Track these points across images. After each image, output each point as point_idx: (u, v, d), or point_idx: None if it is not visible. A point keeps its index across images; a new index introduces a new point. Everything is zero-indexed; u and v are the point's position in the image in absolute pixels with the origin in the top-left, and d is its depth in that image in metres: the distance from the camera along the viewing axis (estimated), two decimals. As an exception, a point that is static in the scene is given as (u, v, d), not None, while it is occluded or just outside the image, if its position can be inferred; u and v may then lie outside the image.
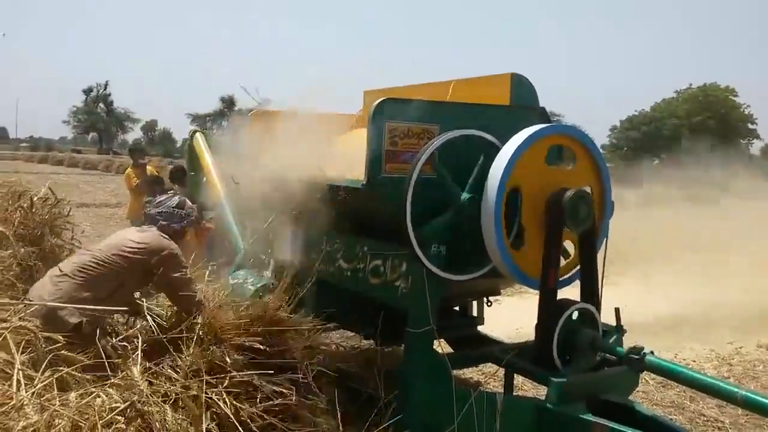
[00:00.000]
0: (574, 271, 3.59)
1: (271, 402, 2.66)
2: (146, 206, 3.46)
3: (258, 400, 2.64)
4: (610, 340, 3.49)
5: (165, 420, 2.17)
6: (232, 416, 2.43)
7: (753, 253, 8.74)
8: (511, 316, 6.02)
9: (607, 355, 3.49)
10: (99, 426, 2.06)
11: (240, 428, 2.42)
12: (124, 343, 2.58)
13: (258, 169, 4.18)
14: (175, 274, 3.10)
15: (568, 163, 3.56)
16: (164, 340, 2.79)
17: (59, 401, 2.15)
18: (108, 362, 2.62)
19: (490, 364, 4.44)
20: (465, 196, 3.33)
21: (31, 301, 3.02)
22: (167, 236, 3.24)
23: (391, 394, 3.25)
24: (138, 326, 3.07)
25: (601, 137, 52.37)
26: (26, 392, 2.12)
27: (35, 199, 4.17)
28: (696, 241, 8.84)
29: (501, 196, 3.20)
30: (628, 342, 3.54)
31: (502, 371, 4.02)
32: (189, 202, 3.49)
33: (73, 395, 2.18)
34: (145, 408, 2.17)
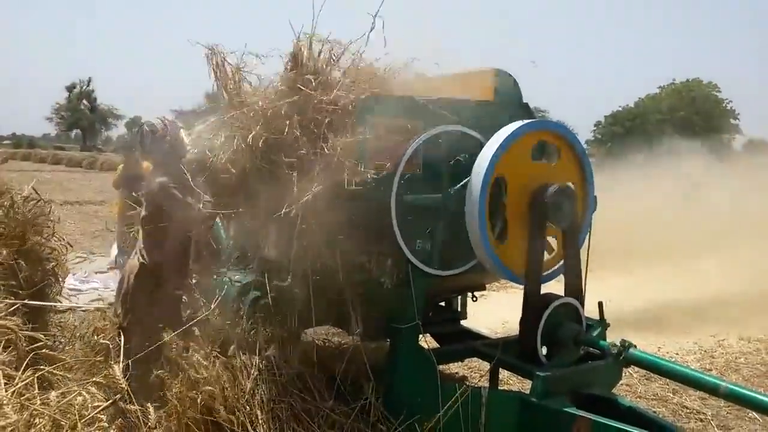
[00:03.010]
0: (557, 265, 3.61)
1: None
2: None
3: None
4: (594, 334, 3.52)
5: (147, 418, 2.16)
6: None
7: (735, 246, 8.83)
8: (496, 310, 6.05)
9: (591, 348, 3.52)
10: (80, 424, 2.04)
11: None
12: (107, 342, 2.56)
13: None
14: None
15: (552, 158, 3.58)
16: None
17: (40, 400, 2.13)
18: (91, 360, 2.61)
19: (475, 358, 4.46)
20: (449, 192, 3.33)
21: (12, 300, 2.99)
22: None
23: (376, 389, 3.26)
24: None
25: (585, 132, 52.69)
26: (6, 391, 2.10)
27: (18, 198, 4.13)
28: (678, 235, 8.92)
29: (485, 191, 3.21)
30: (611, 336, 3.57)
31: (487, 366, 4.04)
32: (153, 120, 3.63)
33: (54, 394, 2.16)
34: (127, 406, 2.16)
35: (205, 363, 2.91)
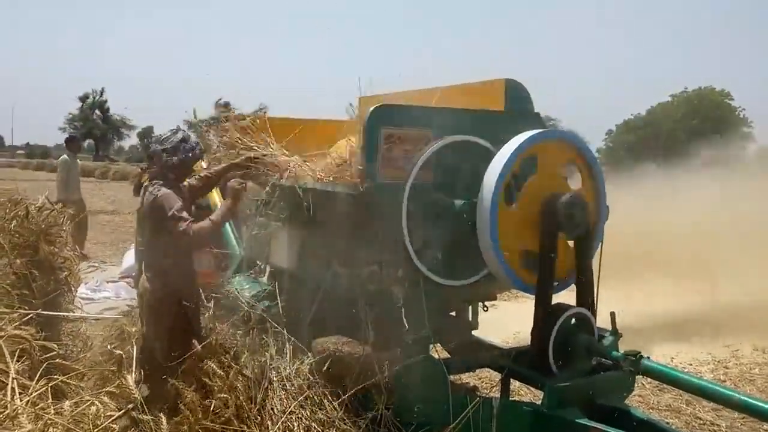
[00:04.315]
0: (569, 275, 3.59)
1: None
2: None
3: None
4: (606, 345, 3.49)
5: (160, 428, 2.17)
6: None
7: (749, 256, 8.75)
8: (508, 320, 6.02)
9: (603, 359, 3.50)
10: (93, 434, 2.05)
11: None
12: (119, 351, 2.57)
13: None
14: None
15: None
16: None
17: (54, 410, 2.14)
18: (104, 370, 2.62)
19: (486, 369, 4.44)
20: (460, 201, 3.34)
21: (26, 310, 3.02)
22: (171, 171, 3.50)
23: (387, 400, 3.25)
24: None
25: (596, 141, 52.48)
26: (21, 401, 2.12)
27: (32, 208, 4.18)
28: (692, 244, 8.86)
29: (496, 200, 3.21)
30: (624, 346, 3.54)
31: (498, 376, 4.02)
32: (193, 137, 3.66)
33: (67, 404, 2.17)
34: (140, 416, 2.17)
35: (220, 372, 2.92)
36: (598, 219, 3.58)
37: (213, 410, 2.78)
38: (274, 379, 3.10)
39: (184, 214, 3.33)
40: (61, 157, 10.42)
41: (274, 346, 3.42)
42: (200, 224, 3.33)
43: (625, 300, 5.92)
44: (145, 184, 3.64)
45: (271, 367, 3.19)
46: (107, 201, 20.80)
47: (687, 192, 10.44)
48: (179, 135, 3.56)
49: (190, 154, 3.52)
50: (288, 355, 3.35)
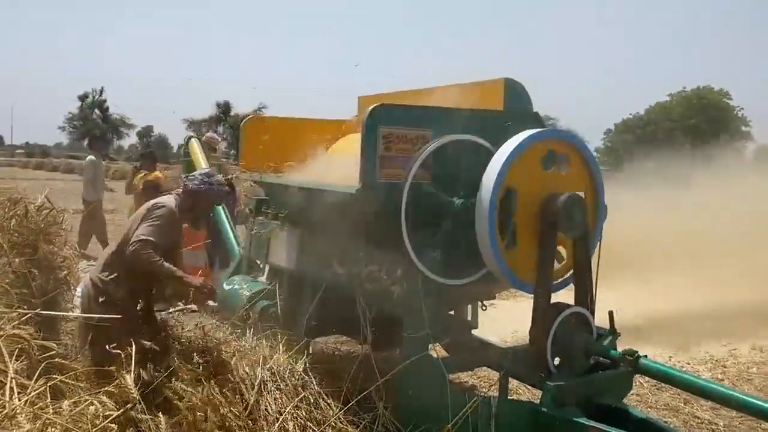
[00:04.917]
0: (568, 274, 3.60)
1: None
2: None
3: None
4: (604, 344, 3.50)
5: (158, 427, 2.17)
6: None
7: (747, 255, 8.75)
8: (506, 319, 6.02)
9: (601, 358, 3.51)
10: (92, 434, 2.05)
11: None
12: (118, 351, 2.57)
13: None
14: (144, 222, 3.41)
15: (562, 167, 3.56)
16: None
17: (52, 409, 2.14)
18: (102, 369, 2.62)
19: (485, 368, 4.44)
20: (459, 201, 3.34)
21: (26, 309, 3.01)
22: (182, 195, 3.56)
23: (386, 398, 3.25)
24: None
25: (595, 140, 52.54)
26: (19, 401, 2.12)
27: (31, 207, 4.17)
28: (690, 243, 8.86)
29: (495, 200, 3.21)
30: (622, 345, 3.55)
31: (497, 375, 4.03)
32: (221, 178, 3.79)
33: (66, 403, 2.17)
34: (139, 416, 2.17)
35: (189, 389, 2.79)
36: (596, 218, 3.59)
37: (195, 426, 2.67)
38: (268, 379, 3.08)
39: (154, 237, 3.34)
40: (88, 158, 10.37)
41: (267, 345, 3.41)
42: (154, 256, 3.30)
43: (624, 299, 5.92)
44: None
45: (266, 367, 3.17)
46: (106, 200, 20.67)
47: (686, 191, 10.44)
48: (209, 171, 3.78)
49: (205, 188, 3.57)
50: (282, 355, 3.34)
